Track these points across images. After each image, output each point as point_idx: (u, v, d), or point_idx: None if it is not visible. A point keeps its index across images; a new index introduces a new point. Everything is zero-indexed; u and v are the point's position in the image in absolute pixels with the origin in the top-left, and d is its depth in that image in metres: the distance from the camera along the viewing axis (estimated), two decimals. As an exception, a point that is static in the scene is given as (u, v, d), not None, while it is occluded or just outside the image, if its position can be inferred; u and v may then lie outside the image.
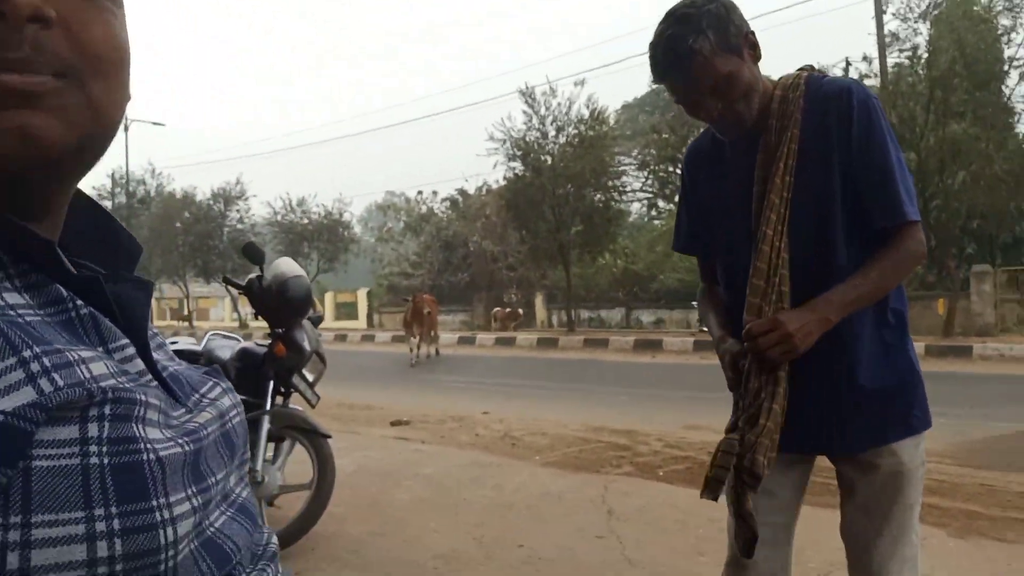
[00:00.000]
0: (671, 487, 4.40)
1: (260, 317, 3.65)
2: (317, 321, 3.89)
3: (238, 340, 3.98)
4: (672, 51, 1.41)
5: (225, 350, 3.85)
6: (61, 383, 0.41)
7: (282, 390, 3.58)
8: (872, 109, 1.44)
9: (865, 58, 15.99)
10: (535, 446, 5.71)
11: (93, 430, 0.42)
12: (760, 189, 1.49)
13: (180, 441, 0.48)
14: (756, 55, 1.46)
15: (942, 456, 5.07)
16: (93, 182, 32.97)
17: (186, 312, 32.13)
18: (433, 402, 8.36)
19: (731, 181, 1.56)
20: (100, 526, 0.40)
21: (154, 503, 0.43)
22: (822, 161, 1.45)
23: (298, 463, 3.62)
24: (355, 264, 31.82)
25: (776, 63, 1.64)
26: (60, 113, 0.46)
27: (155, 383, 0.51)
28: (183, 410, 0.53)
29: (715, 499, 1.46)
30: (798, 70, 1.58)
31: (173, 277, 30.53)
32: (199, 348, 3.96)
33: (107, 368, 0.45)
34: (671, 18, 1.42)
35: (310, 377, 3.71)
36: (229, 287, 3.90)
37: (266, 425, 3.37)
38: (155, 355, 0.54)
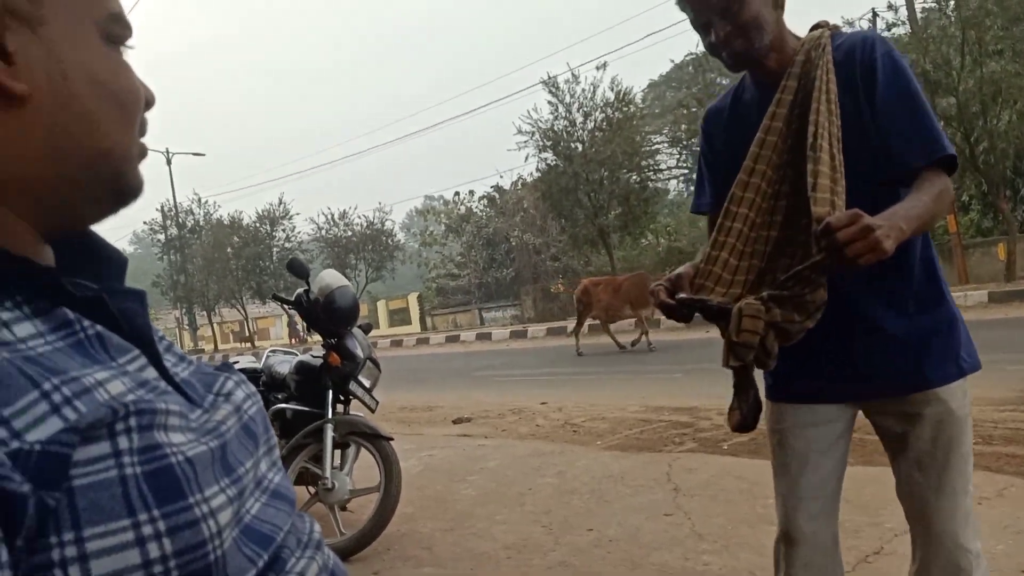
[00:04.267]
0: (736, 459, 4.37)
1: (312, 329, 3.76)
2: (368, 328, 3.99)
3: (295, 354, 4.11)
4: None
5: (284, 365, 3.98)
6: (84, 409, 0.43)
7: (341, 398, 3.69)
8: (896, 57, 1.44)
9: (891, 6, 15.50)
10: (596, 431, 5.73)
11: (123, 443, 0.45)
12: (762, 137, 1.47)
13: (203, 440, 0.51)
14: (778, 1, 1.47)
15: (1017, 404, 4.92)
16: (144, 216, 34.14)
17: (247, 333, 33.00)
18: (492, 397, 8.44)
19: (751, 130, 1.53)
20: (147, 529, 0.44)
21: (191, 500, 0.46)
22: (850, 112, 1.43)
23: (366, 468, 3.72)
24: (402, 270, 32.25)
25: (798, 21, 1.62)
26: None
27: (170, 389, 0.54)
28: (200, 411, 0.55)
29: (742, 365, 1.42)
30: (813, 27, 1.57)
31: (231, 300, 31.41)
32: (259, 366, 4.10)
33: (124, 384, 0.47)
34: None
35: (367, 383, 3.80)
36: (281, 304, 4.02)
37: (330, 433, 3.48)
38: (165, 359, 0.57)
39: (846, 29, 1.61)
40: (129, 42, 0.58)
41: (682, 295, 1.44)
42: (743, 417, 1.51)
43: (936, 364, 1.46)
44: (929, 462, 1.46)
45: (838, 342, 1.49)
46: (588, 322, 13.30)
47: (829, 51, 1.46)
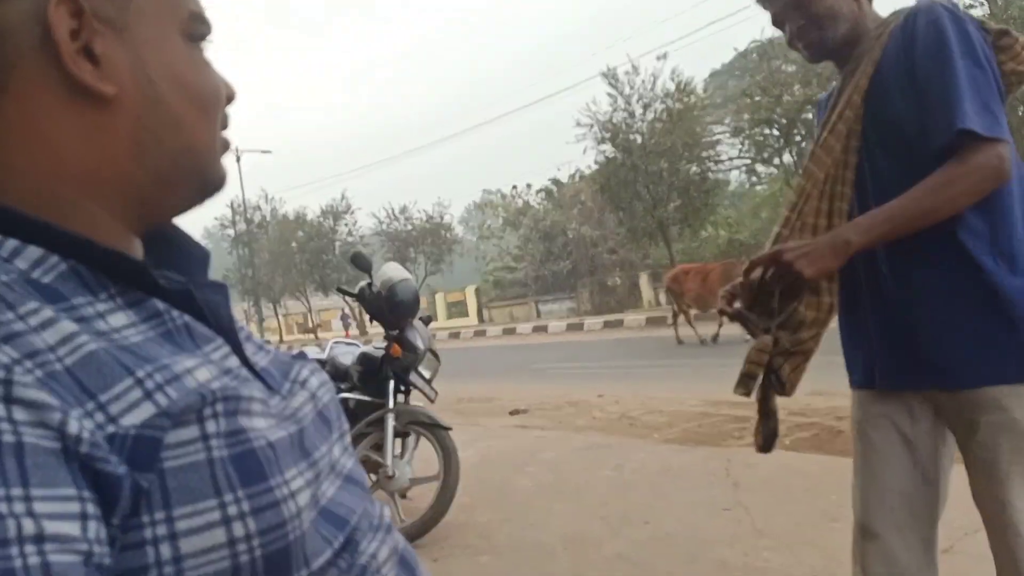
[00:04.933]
0: (798, 455, 4.28)
1: (374, 321, 3.85)
2: (427, 320, 4.05)
3: (357, 346, 4.21)
4: None
5: (347, 356, 4.09)
6: (175, 395, 0.45)
7: (402, 388, 3.76)
8: (941, 27, 1.31)
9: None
10: (653, 424, 5.70)
11: (211, 427, 0.47)
12: (827, 116, 1.47)
13: (283, 425, 0.53)
14: None
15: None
16: (215, 212, 35.34)
17: (310, 325, 33.85)
18: (548, 389, 8.45)
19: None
20: (232, 510, 0.45)
21: (272, 483, 0.48)
22: (895, 89, 1.37)
23: (425, 458, 3.79)
24: (460, 264, 32.54)
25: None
26: None
27: (251, 377, 0.56)
28: (278, 398, 0.57)
29: (747, 395, 1.43)
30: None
31: (295, 293, 32.28)
32: (323, 356, 4.22)
33: (210, 372, 0.49)
34: None
35: (427, 374, 3.87)
36: (344, 296, 4.12)
37: (391, 422, 3.56)
38: (245, 348, 0.59)
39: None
40: (209, 38, 0.60)
41: (736, 306, 1.45)
42: (763, 441, 1.52)
43: (995, 363, 1.31)
44: (992, 473, 1.33)
45: (888, 323, 1.43)
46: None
47: (885, 36, 1.41)
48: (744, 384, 1.43)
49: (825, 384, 6.03)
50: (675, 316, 12.67)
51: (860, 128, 1.42)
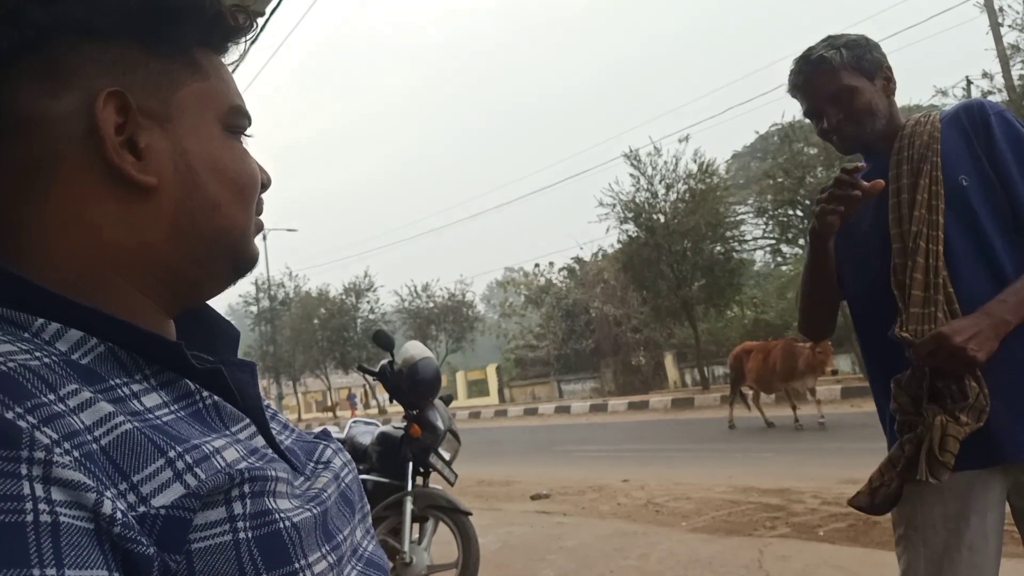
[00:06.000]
0: (834, 547, 4.08)
1: (395, 400, 3.79)
2: (448, 400, 3.99)
3: (377, 425, 4.15)
4: (805, 60, 1.57)
5: (366, 436, 4.02)
6: (203, 476, 0.46)
7: (421, 470, 3.67)
8: (1008, 117, 1.49)
9: (986, 74, 15.05)
10: (680, 511, 5.49)
11: (238, 508, 0.47)
12: (895, 201, 1.51)
13: (307, 507, 0.53)
14: (890, 87, 1.58)
15: None
16: (240, 290, 35.91)
17: (329, 403, 33.72)
18: (571, 473, 8.24)
19: (862, 211, 1.54)
20: None
21: (296, 565, 0.48)
22: (966, 169, 1.47)
23: (443, 543, 3.66)
24: (481, 342, 32.50)
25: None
26: None
27: (277, 457, 0.56)
28: (303, 478, 0.58)
29: (939, 479, 1.35)
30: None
31: (315, 371, 32.28)
32: (342, 436, 4.15)
33: (238, 452, 0.50)
34: (819, 42, 1.59)
35: (446, 455, 3.78)
36: (365, 375, 4.09)
37: (409, 506, 3.46)
38: (271, 428, 0.59)
39: (939, 101, 1.65)
40: (248, 131, 0.63)
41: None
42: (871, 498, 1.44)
43: None
44: None
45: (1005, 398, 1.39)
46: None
47: (936, 125, 1.51)
48: (935, 472, 1.36)
49: (856, 472, 5.83)
50: (732, 397, 11.70)
51: (940, 219, 1.47)
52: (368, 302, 32.06)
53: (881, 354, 1.53)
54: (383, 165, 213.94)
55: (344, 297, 32.04)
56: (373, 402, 31.37)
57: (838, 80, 1.52)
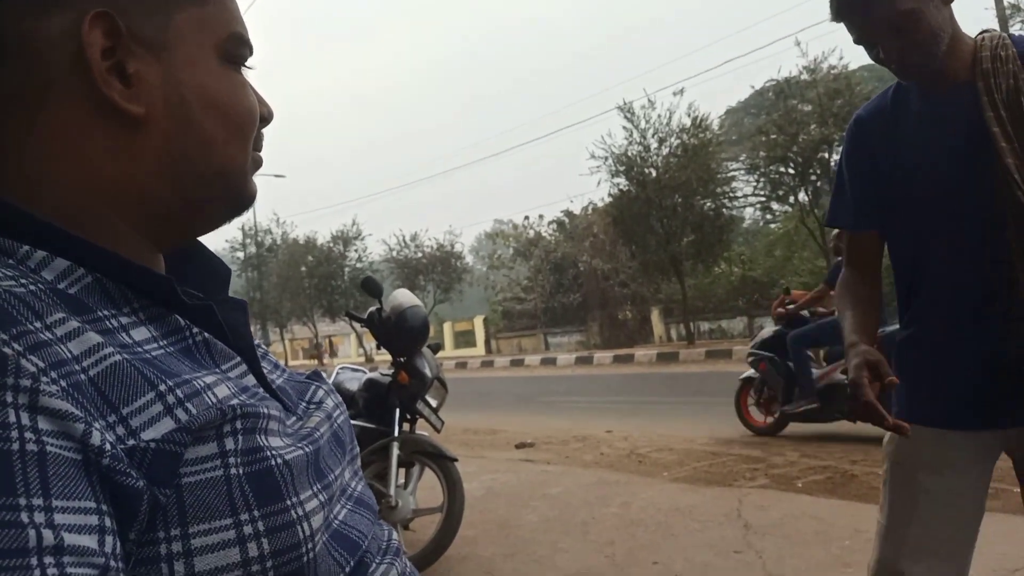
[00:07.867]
0: (812, 498, 4.18)
1: (382, 348, 3.80)
2: (436, 348, 4.00)
3: (364, 372, 4.16)
4: None
5: (353, 382, 4.04)
6: (194, 411, 0.45)
7: (408, 417, 3.70)
8: None
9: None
10: (662, 462, 5.59)
11: (229, 443, 0.46)
12: (1000, 130, 1.32)
13: (299, 445, 0.52)
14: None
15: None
16: (227, 235, 35.61)
17: (317, 350, 33.84)
18: (556, 423, 8.35)
19: (936, 138, 1.41)
20: (248, 529, 0.45)
21: (288, 503, 0.47)
22: None
23: (429, 488, 3.72)
24: (469, 293, 32.53)
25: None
26: None
27: (268, 395, 0.55)
28: (295, 418, 0.57)
29: None
30: (981, 32, 1.46)
31: (303, 318, 32.28)
32: (329, 382, 4.17)
33: (229, 389, 0.49)
34: None
35: (433, 403, 3.81)
36: (352, 321, 4.08)
37: (396, 451, 3.49)
38: (262, 366, 0.58)
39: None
40: (250, 60, 0.59)
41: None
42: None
43: None
44: None
45: (985, 353, 1.35)
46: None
47: (1011, 47, 1.36)
48: None
49: (838, 426, 5.95)
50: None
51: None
52: (356, 250, 31.94)
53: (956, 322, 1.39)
54: (378, 124, 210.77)
55: (332, 245, 31.86)
56: (352, 351, 31.49)
57: (893, 6, 1.31)
